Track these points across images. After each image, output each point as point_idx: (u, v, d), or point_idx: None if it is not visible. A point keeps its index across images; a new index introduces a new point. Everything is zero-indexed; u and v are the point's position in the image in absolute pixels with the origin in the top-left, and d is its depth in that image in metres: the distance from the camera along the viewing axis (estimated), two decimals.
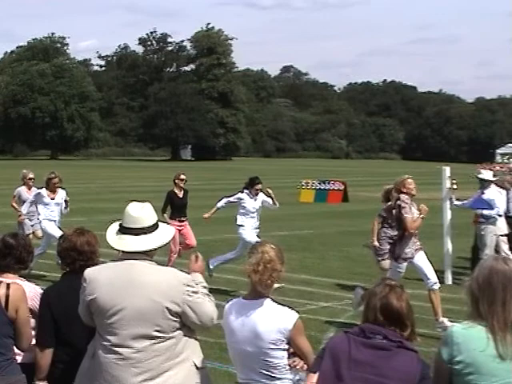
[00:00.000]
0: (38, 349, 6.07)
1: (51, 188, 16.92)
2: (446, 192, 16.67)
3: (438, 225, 17.25)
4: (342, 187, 42.02)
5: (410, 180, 13.33)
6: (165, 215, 17.48)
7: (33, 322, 6.28)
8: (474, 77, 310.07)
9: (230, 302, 5.71)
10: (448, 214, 16.66)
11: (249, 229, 16.19)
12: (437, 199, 17.81)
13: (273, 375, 5.38)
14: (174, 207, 17.95)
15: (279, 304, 5.48)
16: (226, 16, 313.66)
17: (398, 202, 12.97)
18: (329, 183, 42.79)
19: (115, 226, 5.79)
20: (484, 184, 16.74)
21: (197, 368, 5.60)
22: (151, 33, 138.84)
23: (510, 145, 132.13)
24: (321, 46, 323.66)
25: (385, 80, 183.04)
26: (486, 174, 17.57)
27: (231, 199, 16.77)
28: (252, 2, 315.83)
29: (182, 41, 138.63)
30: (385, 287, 4.97)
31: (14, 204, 18.53)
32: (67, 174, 63.92)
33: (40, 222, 17.18)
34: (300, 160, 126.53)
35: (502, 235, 16.83)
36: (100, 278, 5.58)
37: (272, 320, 5.36)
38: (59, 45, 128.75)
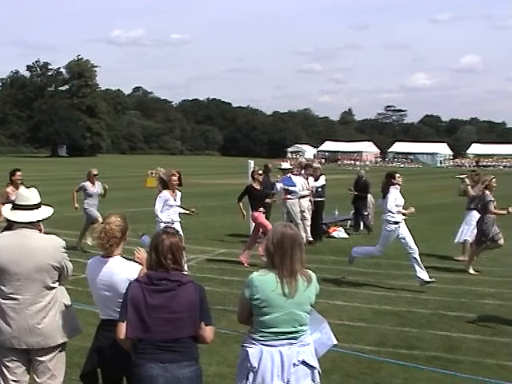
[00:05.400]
0: None
1: (172, 188, 14.10)
2: (250, 179, 16.86)
3: (247, 202, 17.47)
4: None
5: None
6: (240, 204, 15.63)
7: None
8: (271, 96, 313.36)
9: (91, 259, 5.64)
10: None
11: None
12: (244, 184, 17.96)
13: None
14: (255, 199, 15.56)
15: (127, 259, 5.46)
16: (92, 50, 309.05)
17: None
18: None
19: (9, 205, 5.76)
20: (285, 172, 17.52)
21: (66, 307, 5.72)
22: (36, 62, 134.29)
23: (296, 145, 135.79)
24: (162, 72, 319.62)
25: (208, 97, 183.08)
26: (285, 165, 18.56)
27: (396, 203, 12.43)
28: (111, 40, 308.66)
29: (59, 68, 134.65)
30: (161, 233, 4.96)
31: (75, 194, 16.62)
32: None
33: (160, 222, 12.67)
34: (147, 156, 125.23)
35: (302, 210, 17.42)
36: None
37: (122, 272, 5.32)
38: None
